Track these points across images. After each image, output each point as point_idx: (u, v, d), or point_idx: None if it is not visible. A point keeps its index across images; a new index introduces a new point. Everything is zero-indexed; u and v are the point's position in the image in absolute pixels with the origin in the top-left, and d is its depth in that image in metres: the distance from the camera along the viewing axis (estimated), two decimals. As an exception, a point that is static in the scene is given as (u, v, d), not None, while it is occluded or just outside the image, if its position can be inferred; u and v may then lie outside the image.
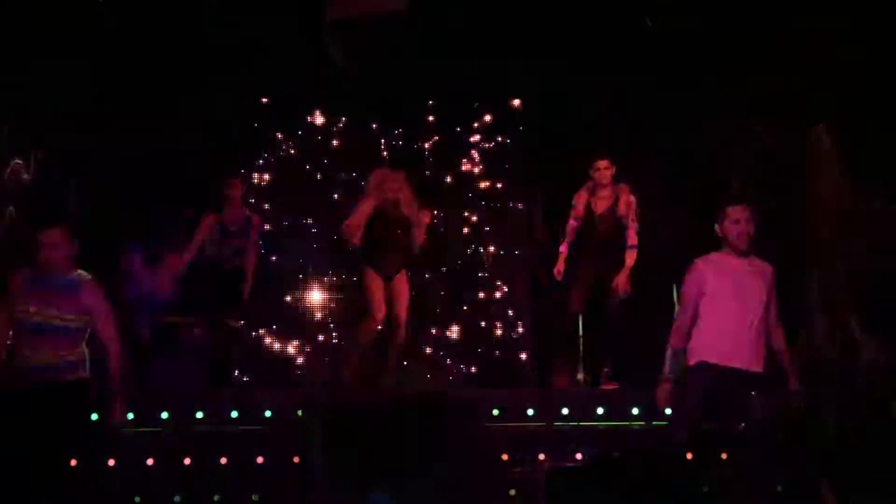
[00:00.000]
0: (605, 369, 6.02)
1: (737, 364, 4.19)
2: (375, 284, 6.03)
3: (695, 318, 4.30)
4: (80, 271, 4.34)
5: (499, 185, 7.39)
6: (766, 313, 4.27)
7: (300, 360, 7.09)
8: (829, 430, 5.00)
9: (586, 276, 6.07)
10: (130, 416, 5.08)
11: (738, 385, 4.18)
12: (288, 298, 7.19)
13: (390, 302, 6.07)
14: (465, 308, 7.23)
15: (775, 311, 4.36)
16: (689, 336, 4.32)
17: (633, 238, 5.97)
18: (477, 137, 7.39)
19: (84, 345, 4.32)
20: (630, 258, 5.94)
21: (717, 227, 4.32)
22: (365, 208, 5.99)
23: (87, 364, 4.32)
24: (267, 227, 7.10)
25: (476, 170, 7.39)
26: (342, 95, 7.21)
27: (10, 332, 4.31)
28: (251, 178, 7.13)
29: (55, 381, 4.19)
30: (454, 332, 7.18)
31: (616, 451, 4.74)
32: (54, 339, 4.20)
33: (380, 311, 5.98)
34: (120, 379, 4.34)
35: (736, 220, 4.23)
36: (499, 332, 7.18)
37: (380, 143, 7.34)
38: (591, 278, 6.06)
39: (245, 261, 6.45)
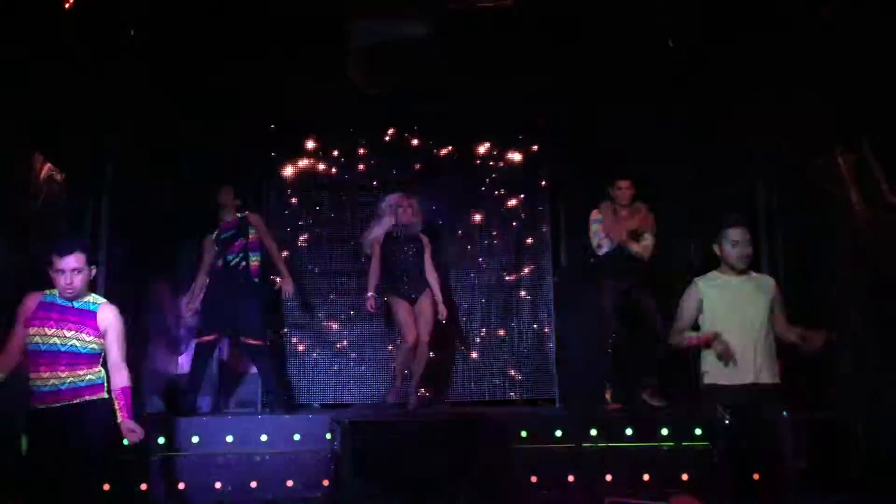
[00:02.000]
0: (650, 387, 5.99)
1: (748, 380, 4.27)
2: (403, 308, 6.22)
3: (691, 324, 4.44)
4: (94, 295, 4.40)
5: (522, 208, 7.39)
6: (772, 325, 4.35)
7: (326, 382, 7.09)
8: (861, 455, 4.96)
9: (615, 298, 6.13)
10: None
11: (756, 399, 4.24)
12: (312, 317, 7.20)
13: (415, 322, 6.21)
14: (488, 330, 7.23)
15: (785, 318, 4.41)
16: (684, 336, 4.42)
17: (650, 248, 6.16)
18: (499, 162, 7.41)
19: (101, 366, 4.35)
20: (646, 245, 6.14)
21: (715, 247, 4.44)
22: (381, 228, 6.37)
23: (106, 384, 4.34)
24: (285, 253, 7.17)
25: (498, 192, 7.40)
26: (362, 118, 7.26)
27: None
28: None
29: (78, 400, 4.22)
30: (481, 353, 7.17)
31: None
32: (73, 360, 4.23)
33: (411, 334, 6.13)
34: (127, 403, 4.29)
35: (735, 242, 4.36)
36: (525, 353, 7.17)
37: (397, 166, 7.37)
38: (620, 300, 6.16)
39: (273, 258, 6.44)
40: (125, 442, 4.30)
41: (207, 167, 6.87)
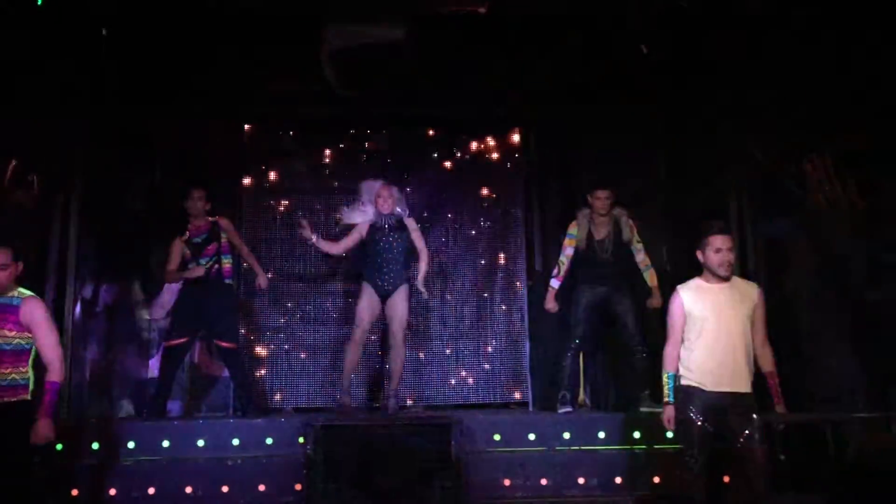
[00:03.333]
0: (646, 391, 5.96)
1: (723, 388, 4.32)
2: (366, 301, 6.17)
3: (681, 334, 4.46)
4: (20, 289, 4.36)
5: (497, 212, 7.42)
6: (752, 334, 4.39)
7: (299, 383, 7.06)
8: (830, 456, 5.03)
9: (588, 304, 6.12)
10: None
11: (729, 406, 4.30)
12: (286, 320, 7.17)
13: (388, 320, 6.22)
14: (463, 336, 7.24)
15: (764, 332, 4.47)
16: (678, 359, 4.46)
17: (646, 259, 6.16)
18: (475, 165, 7.43)
19: (29, 365, 4.32)
20: (653, 278, 6.13)
21: (698, 253, 4.47)
22: (365, 216, 6.29)
23: (31, 386, 4.31)
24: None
25: (473, 196, 7.43)
26: (340, 115, 7.25)
27: None
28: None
29: None
30: (454, 356, 7.18)
31: None
32: None
33: (360, 327, 6.13)
34: (50, 399, 4.28)
35: (718, 249, 4.38)
36: (499, 357, 7.19)
37: (376, 161, 7.36)
38: (594, 306, 6.14)
39: (244, 259, 6.53)
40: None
41: (179, 168, 6.82)
